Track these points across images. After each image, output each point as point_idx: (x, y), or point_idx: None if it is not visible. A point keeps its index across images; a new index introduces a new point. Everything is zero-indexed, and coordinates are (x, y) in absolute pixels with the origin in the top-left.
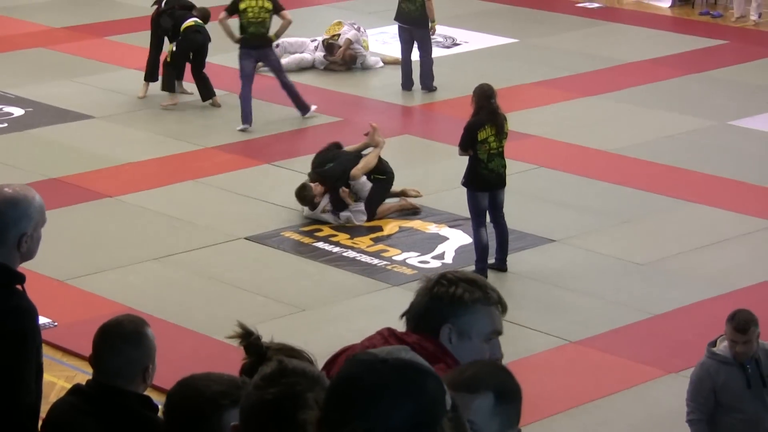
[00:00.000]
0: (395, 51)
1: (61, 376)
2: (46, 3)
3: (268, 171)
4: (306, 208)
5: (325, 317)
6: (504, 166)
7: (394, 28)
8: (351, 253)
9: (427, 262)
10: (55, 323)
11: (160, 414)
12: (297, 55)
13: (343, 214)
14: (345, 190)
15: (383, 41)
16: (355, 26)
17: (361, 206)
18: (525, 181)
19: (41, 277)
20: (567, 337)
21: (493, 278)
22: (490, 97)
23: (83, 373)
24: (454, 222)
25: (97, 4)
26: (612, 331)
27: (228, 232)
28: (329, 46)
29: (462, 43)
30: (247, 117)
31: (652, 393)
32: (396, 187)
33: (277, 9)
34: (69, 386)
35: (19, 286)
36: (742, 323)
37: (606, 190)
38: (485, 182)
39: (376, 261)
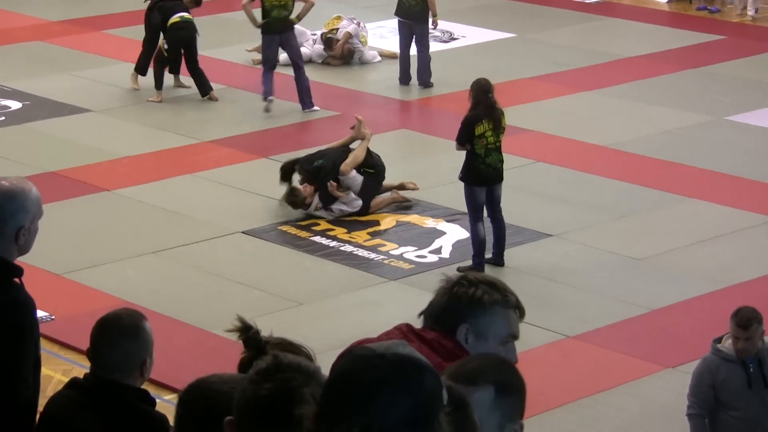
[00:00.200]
0: (393, 45)
1: (58, 370)
2: None
3: (265, 165)
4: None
5: (322, 311)
6: (501, 161)
7: (392, 23)
8: (348, 248)
9: (424, 257)
10: (52, 317)
11: (163, 410)
12: None
13: (335, 207)
14: (332, 183)
15: (381, 35)
16: (355, 21)
17: (352, 194)
18: (522, 176)
19: (38, 270)
20: (564, 332)
21: (490, 273)
22: (488, 91)
23: (80, 367)
24: (451, 216)
25: None
26: (609, 326)
27: (225, 226)
28: (328, 40)
29: (460, 37)
30: (268, 91)
31: (648, 388)
32: (393, 180)
33: None
34: (66, 380)
35: (17, 280)
36: (744, 319)
37: (603, 185)
38: (483, 177)
39: (373, 255)
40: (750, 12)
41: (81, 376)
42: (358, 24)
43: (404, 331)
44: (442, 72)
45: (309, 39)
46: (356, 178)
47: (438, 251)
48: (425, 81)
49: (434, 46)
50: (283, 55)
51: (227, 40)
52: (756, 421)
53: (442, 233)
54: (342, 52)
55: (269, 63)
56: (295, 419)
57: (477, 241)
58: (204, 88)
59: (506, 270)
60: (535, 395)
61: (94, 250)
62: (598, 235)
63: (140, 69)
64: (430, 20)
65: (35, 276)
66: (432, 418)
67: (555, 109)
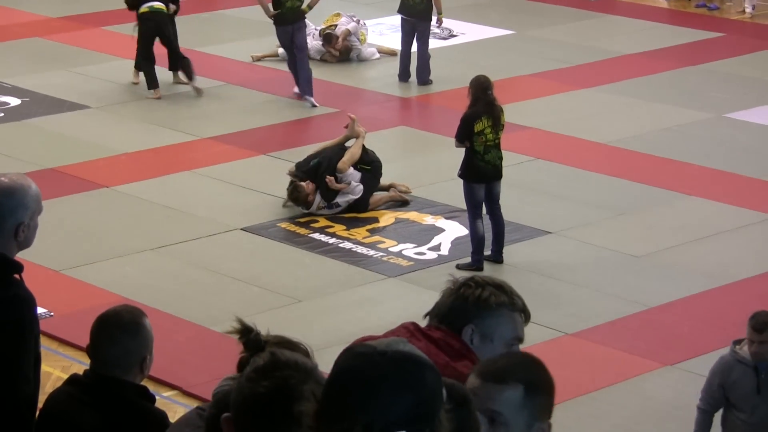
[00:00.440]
0: (392, 42)
1: (57, 366)
2: None
3: (264, 162)
4: (301, 208)
5: (321, 308)
6: (500, 158)
7: (391, 20)
8: (347, 244)
9: (423, 254)
10: (52, 313)
11: (162, 406)
12: None
13: (340, 200)
14: (330, 178)
15: (380, 32)
16: (354, 18)
17: (353, 182)
18: (521, 173)
19: (37, 267)
20: (562, 329)
21: (489, 270)
22: (487, 88)
23: (79, 364)
24: (450, 213)
25: None
26: (607, 324)
27: (224, 223)
28: (326, 36)
29: (459, 34)
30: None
31: (647, 385)
32: (385, 180)
33: None
34: (65, 376)
35: (17, 276)
36: (760, 323)
37: (602, 182)
38: (482, 174)
39: (372, 252)
40: (748, 9)
41: (80, 373)
42: (358, 22)
43: (411, 329)
44: (441, 69)
45: (310, 33)
46: (354, 175)
47: (437, 248)
48: (424, 79)
49: (433, 43)
50: (280, 50)
51: (226, 37)
52: (762, 426)
53: (441, 230)
54: (339, 49)
55: (290, 51)
56: (295, 416)
57: (476, 238)
58: (187, 72)
59: (505, 267)
60: None
61: (93, 246)
62: (596, 232)
63: (138, 65)
64: (434, 18)
65: (34, 272)
66: (433, 414)
67: (554, 107)
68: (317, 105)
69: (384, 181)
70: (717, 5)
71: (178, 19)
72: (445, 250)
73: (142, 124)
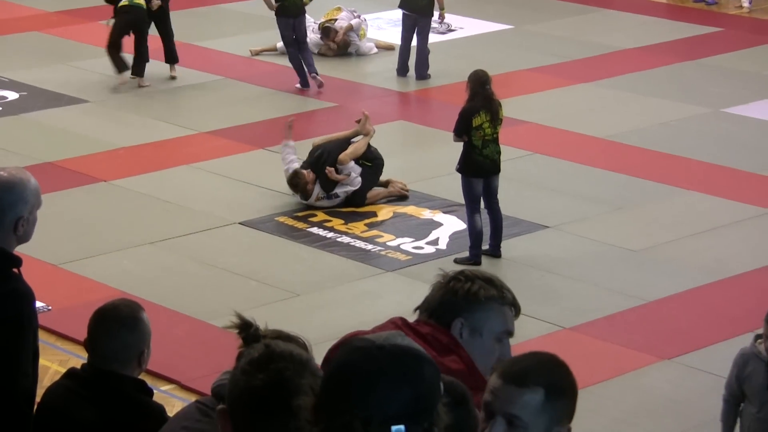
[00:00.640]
0: (390, 37)
1: (54, 360)
2: None
3: (262, 156)
4: (299, 197)
5: (319, 302)
6: (498, 153)
7: (389, 14)
8: (345, 239)
9: (421, 248)
10: (49, 307)
11: (160, 400)
12: None
13: (339, 191)
14: (330, 169)
15: (378, 27)
16: (355, 14)
17: (353, 173)
18: (519, 168)
19: (35, 261)
20: (560, 323)
21: (487, 264)
22: (485, 83)
23: (77, 358)
24: (448, 208)
25: None
26: (605, 318)
27: (222, 217)
28: (325, 30)
29: (457, 29)
30: (304, 80)
31: (645, 379)
32: (383, 177)
33: None
34: (63, 370)
35: (15, 270)
36: None
37: (600, 176)
38: (480, 168)
39: (370, 246)
40: (745, 4)
41: (78, 367)
42: (359, 17)
43: (398, 324)
44: (439, 63)
45: (309, 26)
46: (354, 168)
47: (435, 242)
48: (422, 74)
49: (431, 38)
50: (279, 44)
51: (224, 31)
52: None
53: (439, 224)
54: (338, 43)
55: (286, 41)
56: (293, 410)
57: (474, 233)
58: (138, 68)
59: (503, 261)
60: None
61: (91, 240)
62: (594, 226)
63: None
64: (436, 14)
65: (32, 266)
66: (431, 408)
67: (552, 101)
68: (322, 81)
69: (382, 177)
70: (715, 0)
71: (175, 14)
72: (443, 245)
73: (140, 118)
